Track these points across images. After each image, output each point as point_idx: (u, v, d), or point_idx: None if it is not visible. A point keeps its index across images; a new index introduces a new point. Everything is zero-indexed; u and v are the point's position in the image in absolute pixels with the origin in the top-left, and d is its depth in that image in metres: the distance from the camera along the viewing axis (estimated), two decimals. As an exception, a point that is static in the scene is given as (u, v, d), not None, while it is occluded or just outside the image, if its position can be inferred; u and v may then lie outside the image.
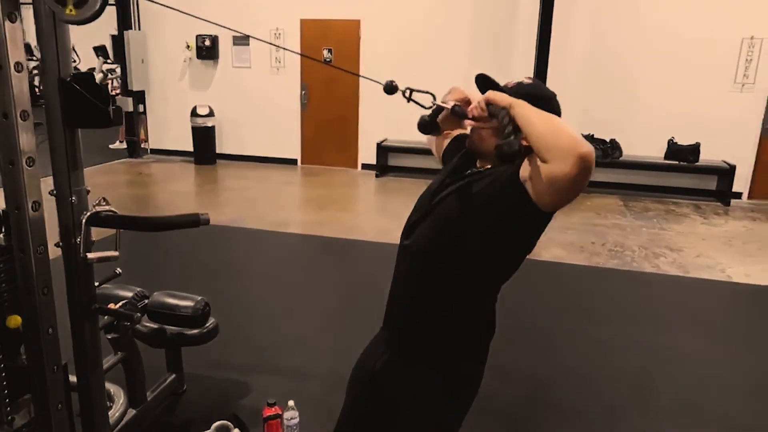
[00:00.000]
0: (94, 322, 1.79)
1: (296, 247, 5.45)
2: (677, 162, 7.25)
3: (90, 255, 1.66)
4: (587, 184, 1.30)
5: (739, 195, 7.32)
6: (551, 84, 7.15)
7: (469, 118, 1.53)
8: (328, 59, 8.12)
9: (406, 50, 7.82)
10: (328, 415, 1.90)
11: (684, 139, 7.26)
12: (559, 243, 5.49)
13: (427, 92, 1.59)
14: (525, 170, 1.36)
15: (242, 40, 8.37)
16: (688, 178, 7.46)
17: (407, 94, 1.56)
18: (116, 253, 1.73)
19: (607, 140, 7.49)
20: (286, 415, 2.49)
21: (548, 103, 1.48)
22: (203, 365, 3.11)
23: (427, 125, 1.72)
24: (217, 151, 8.83)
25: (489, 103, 1.44)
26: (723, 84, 7.15)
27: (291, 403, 2.52)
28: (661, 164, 7.33)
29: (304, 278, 4.61)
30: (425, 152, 8.57)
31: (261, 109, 8.64)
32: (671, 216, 6.66)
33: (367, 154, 8.40)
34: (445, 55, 7.72)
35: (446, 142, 1.82)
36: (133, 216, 1.74)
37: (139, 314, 2.19)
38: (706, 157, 7.20)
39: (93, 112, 1.61)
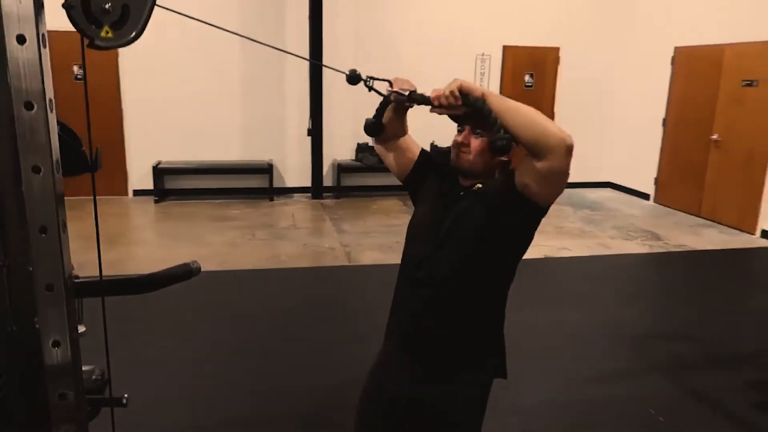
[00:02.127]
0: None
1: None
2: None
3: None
4: None
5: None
6: (330, 101, 7.53)
7: (435, 106, 1.50)
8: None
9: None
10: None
11: (445, 142, 8.32)
12: (371, 247, 5.83)
13: (385, 80, 1.59)
14: (521, 178, 1.49)
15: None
16: (449, 175, 8.58)
17: (369, 83, 1.56)
18: (84, 328, 1.38)
19: (381, 147, 8.15)
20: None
21: None
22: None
23: (374, 126, 1.72)
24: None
25: (462, 92, 1.46)
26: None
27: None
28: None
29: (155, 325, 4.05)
30: (206, 171, 8.18)
31: None
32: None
33: (139, 179, 7.63)
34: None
35: (411, 159, 1.80)
36: (122, 279, 1.40)
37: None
38: (461, 156, 8.38)
39: (69, 155, 1.26)
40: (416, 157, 1.80)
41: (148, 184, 7.53)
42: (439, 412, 1.62)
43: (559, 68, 8.65)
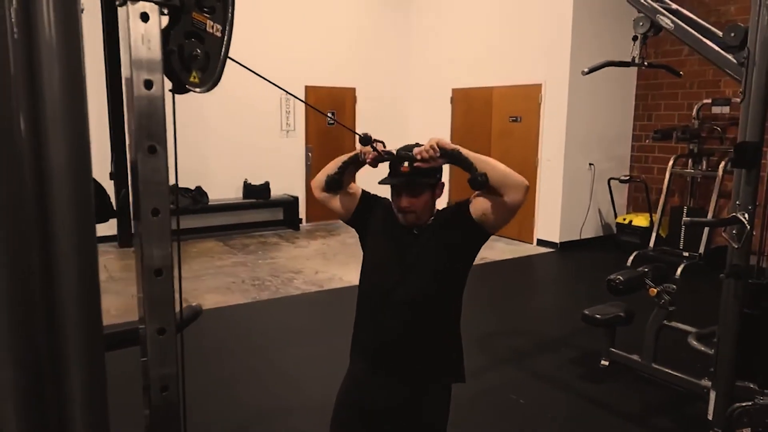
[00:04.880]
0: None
1: None
2: (254, 200, 8.29)
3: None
4: None
5: (301, 220, 8.91)
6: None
7: (418, 161, 1.74)
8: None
9: None
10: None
11: (256, 180, 8.34)
12: (208, 290, 5.63)
13: (380, 141, 1.80)
14: (479, 208, 1.80)
15: None
16: (265, 212, 8.62)
17: (374, 146, 1.77)
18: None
19: (193, 188, 7.88)
20: None
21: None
22: None
23: (335, 183, 1.93)
24: None
25: (441, 146, 1.73)
26: (274, 131, 8.59)
27: None
28: (243, 203, 8.24)
29: None
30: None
31: None
32: (268, 246, 7.62)
33: None
34: None
35: (353, 200, 1.97)
36: (130, 329, 1.31)
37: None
38: (276, 192, 8.50)
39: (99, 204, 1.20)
40: (358, 199, 1.97)
41: None
42: (414, 418, 1.81)
43: (357, 106, 9.39)
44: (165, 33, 0.99)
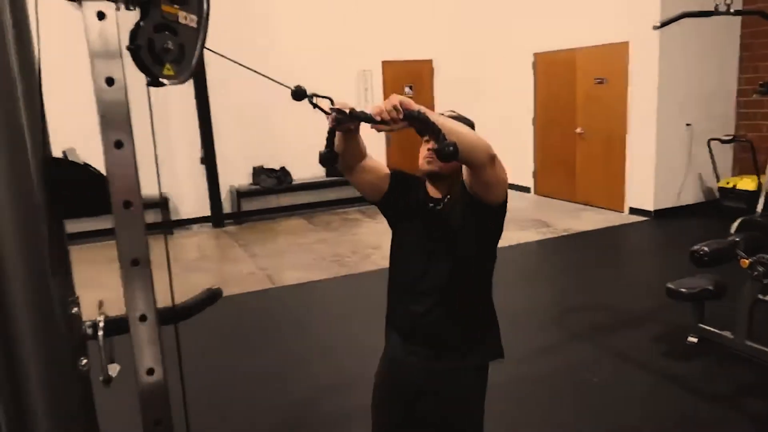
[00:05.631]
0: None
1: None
2: (335, 178, 8.44)
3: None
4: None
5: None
6: (218, 128, 7.42)
7: (376, 122, 1.45)
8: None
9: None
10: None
11: (337, 158, 8.48)
12: (290, 267, 5.84)
13: (326, 97, 1.54)
14: (469, 188, 1.65)
15: None
16: (348, 189, 8.75)
17: (314, 100, 1.53)
18: (118, 367, 1.37)
19: (278, 168, 8.16)
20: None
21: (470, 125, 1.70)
22: None
23: (328, 156, 1.65)
24: None
25: (403, 106, 1.42)
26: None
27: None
28: (325, 182, 8.41)
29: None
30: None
31: None
32: (350, 222, 7.76)
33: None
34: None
35: (383, 181, 1.86)
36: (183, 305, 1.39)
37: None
38: (357, 169, 8.60)
39: (88, 196, 1.27)
40: (388, 180, 1.86)
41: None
42: (448, 398, 1.78)
43: (435, 78, 9.22)
44: (135, 28, 1.01)
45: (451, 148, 1.40)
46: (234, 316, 4.56)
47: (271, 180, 8.04)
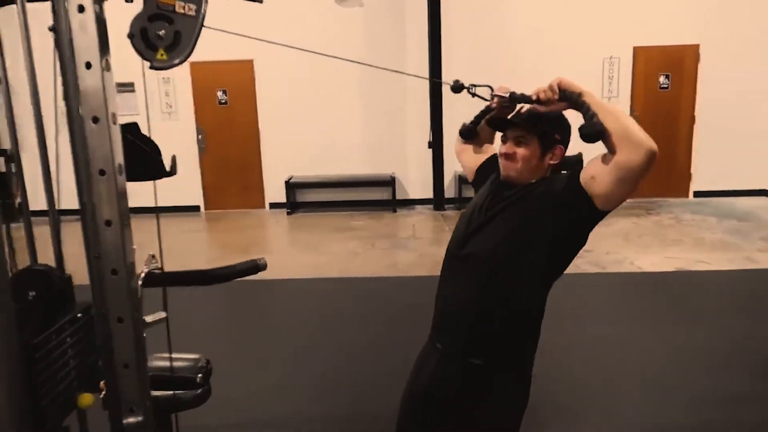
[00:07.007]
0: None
1: (245, 296, 5.10)
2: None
3: (148, 319, 1.51)
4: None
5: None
6: (448, 114, 7.63)
7: (533, 102, 1.55)
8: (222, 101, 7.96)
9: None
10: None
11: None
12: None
13: (486, 86, 1.66)
14: (588, 171, 1.50)
15: (126, 86, 7.92)
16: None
17: (472, 90, 1.63)
18: (165, 314, 1.60)
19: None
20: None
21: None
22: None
23: (470, 130, 1.93)
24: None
25: (561, 88, 1.50)
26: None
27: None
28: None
29: (272, 325, 4.46)
30: (333, 185, 8.59)
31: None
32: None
33: (274, 193, 8.28)
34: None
35: (481, 158, 1.93)
36: (189, 271, 1.62)
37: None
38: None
39: (145, 162, 1.50)
40: (485, 159, 1.92)
41: (282, 197, 8.14)
42: (473, 411, 1.63)
43: (700, 67, 7.95)
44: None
45: (597, 126, 1.44)
46: (410, 297, 4.74)
47: (495, 169, 7.98)
